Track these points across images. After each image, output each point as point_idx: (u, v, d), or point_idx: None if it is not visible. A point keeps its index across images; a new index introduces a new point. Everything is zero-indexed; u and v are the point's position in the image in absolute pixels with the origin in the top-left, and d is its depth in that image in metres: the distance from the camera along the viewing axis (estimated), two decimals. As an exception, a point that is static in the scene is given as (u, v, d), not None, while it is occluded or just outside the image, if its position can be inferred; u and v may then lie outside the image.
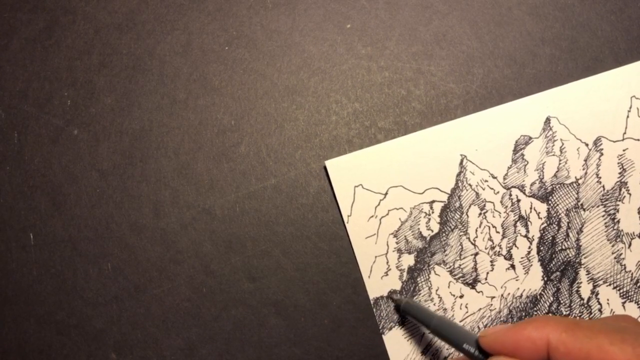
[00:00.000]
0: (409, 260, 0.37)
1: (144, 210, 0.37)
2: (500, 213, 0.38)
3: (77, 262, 0.37)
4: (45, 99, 0.38)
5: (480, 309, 0.37)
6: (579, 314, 0.37)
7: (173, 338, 0.36)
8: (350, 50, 0.39)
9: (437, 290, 0.37)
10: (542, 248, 0.37)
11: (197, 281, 0.37)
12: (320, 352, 0.36)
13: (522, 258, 0.37)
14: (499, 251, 0.37)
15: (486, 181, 0.38)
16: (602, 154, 0.38)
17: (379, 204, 0.37)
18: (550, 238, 0.37)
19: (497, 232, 0.38)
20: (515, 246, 0.37)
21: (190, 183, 0.37)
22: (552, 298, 0.37)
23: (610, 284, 0.37)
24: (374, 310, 0.37)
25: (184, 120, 0.38)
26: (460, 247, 0.37)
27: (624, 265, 0.37)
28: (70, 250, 0.37)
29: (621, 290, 0.37)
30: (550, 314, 0.37)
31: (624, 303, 0.37)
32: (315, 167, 0.38)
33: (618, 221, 0.38)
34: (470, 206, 0.38)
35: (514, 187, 0.38)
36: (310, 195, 0.37)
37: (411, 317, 0.35)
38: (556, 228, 0.38)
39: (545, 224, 0.37)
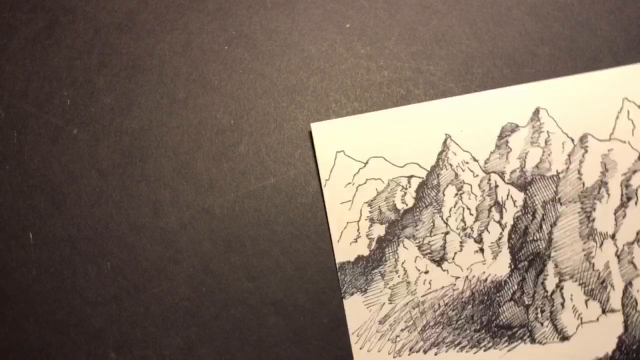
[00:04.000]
0: (379, 230, 0.37)
1: (143, 210, 0.37)
2: (476, 196, 0.38)
3: (77, 261, 0.37)
4: (45, 99, 0.38)
5: (444, 287, 0.37)
6: (541, 305, 0.37)
7: (172, 337, 0.37)
8: (349, 50, 0.39)
9: (403, 263, 0.37)
10: (513, 236, 0.37)
11: (196, 280, 0.37)
12: (319, 351, 0.37)
13: (492, 243, 0.37)
14: (470, 233, 0.37)
15: (467, 163, 0.38)
16: (586, 151, 0.38)
17: (357, 172, 0.37)
18: (523, 227, 0.38)
19: (471, 215, 0.38)
20: (487, 230, 0.37)
21: (190, 182, 0.38)
22: (516, 286, 0.37)
23: (576, 280, 0.37)
24: (339, 274, 0.37)
25: (183, 120, 0.38)
26: (432, 224, 0.38)
27: (593, 263, 0.37)
28: (69, 249, 0.37)
29: (586, 288, 0.37)
30: (512, 302, 0.37)
31: (587, 300, 0.37)
32: (314, 167, 0.38)
33: (593, 220, 0.38)
34: (447, 186, 0.38)
35: (494, 172, 0.38)
36: (310, 195, 0.37)
37: None
38: (530, 218, 0.38)
39: (520, 213, 0.38)
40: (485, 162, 0.38)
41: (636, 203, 0.37)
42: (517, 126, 0.38)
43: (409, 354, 0.36)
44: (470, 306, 0.37)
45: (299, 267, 0.37)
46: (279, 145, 0.38)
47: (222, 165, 0.38)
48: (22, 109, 0.38)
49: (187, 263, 0.37)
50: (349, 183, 0.37)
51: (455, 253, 0.37)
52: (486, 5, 0.39)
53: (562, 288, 0.37)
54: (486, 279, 0.37)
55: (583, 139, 0.38)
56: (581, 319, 0.37)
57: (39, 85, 0.38)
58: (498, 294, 0.37)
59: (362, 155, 0.37)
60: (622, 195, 0.37)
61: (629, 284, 0.37)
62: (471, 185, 0.38)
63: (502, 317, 0.37)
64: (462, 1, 0.39)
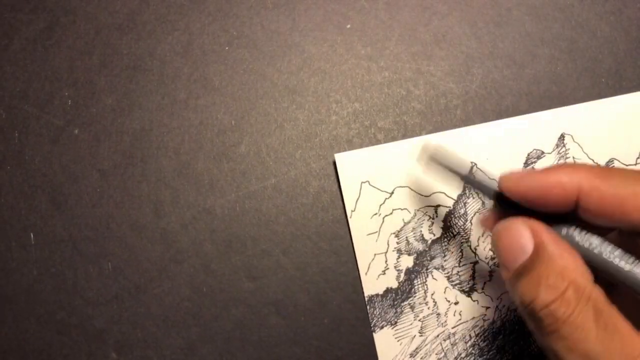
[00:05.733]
0: (407, 261, 0.37)
1: (144, 210, 0.37)
2: None
3: (78, 261, 0.37)
4: (46, 99, 0.38)
5: (474, 317, 0.37)
6: None
7: (173, 337, 0.37)
8: (350, 51, 0.39)
9: (432, 295, 0.37)
10: None
11: (197, 280, 0.37)
12: (320, 351, 0.37)
13: None
14: (499, 262, 0.37)
15: None
16: None
17: (384, 203, 0.37)
18: None
19: None
20: None
21: (191, 183, 0.38)
22: None
23: None
24: (368, 307, 0.37)
25: (184, 120, 0.38)
26: (460, 254, 0.37)
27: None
28: (70, 249, 0.37)
29: None
30: None
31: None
32: (315, 167, 0.38)
33: None
34: (475, 214, 0.37)
35: None
36: (311, 195, 0.38)
37: (442, 166, 0.33)
38: None
39: None
40: None
41: None
42: (542, 152, 0.38)
43: None
44: (501, 336, 0.37)
45: (299, 267, 0.37)
46: (279, 146, 0.38)
47: (223, 166, 0.38)
48: (23, 109, 0.38)
49: (188, 263, 0.37)
50: (375, 214, 0.37)
51: (485, 283, 0.37)
52: (486, 6, 0.39)
53: None
54: (516, 308, 0.37)
55: (609, 164, 0.38)
56: None
57: (39, 86, 0.38)
58: None
59: (387, 186, 0.37)
60: None
61: None
62: None
63: (534, 346, 0.37)
64: (463, 2, 0.39)
